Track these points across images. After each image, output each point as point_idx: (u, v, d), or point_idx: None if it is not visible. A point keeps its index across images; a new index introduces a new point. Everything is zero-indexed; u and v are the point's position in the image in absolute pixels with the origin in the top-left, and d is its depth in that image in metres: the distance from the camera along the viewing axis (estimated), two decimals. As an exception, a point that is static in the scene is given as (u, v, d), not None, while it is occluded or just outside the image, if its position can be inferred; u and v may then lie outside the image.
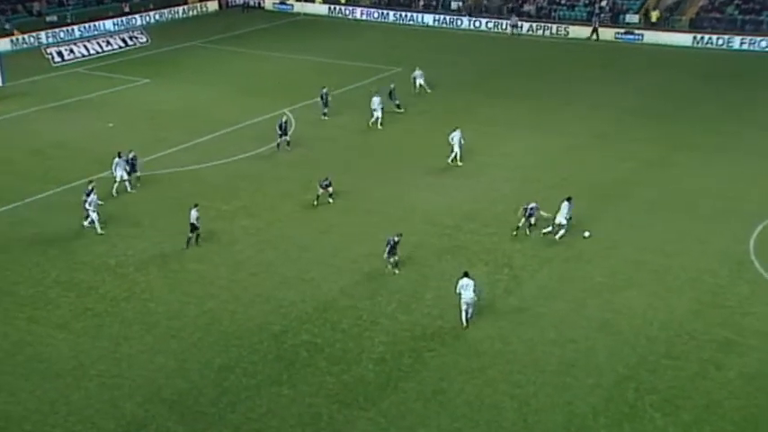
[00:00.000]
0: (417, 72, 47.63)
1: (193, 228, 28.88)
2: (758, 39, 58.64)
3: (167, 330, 23.91)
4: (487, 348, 23.03)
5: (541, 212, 29.66)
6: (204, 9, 73.64)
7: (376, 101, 41.08)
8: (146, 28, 63.93)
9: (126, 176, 33.35)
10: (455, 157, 36.63)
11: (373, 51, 58.94)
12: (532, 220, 29.81)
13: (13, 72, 49.02)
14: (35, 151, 37.68)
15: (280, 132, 38.08)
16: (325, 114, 42.62)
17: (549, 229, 29.59)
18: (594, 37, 62.22)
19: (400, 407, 20.65)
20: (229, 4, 75.73)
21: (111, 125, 40.95)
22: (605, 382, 21.54)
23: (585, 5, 66.08)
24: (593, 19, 63.37)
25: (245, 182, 34.83)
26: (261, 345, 23.25)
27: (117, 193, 33.03)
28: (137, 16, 67.09)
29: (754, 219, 30.63)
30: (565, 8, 66.52)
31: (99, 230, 29.82)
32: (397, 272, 26.94)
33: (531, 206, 29.73)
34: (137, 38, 60.56)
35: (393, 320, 24.43)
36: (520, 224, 29.79)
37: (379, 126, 40.94)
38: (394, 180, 34.93)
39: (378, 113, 40.97)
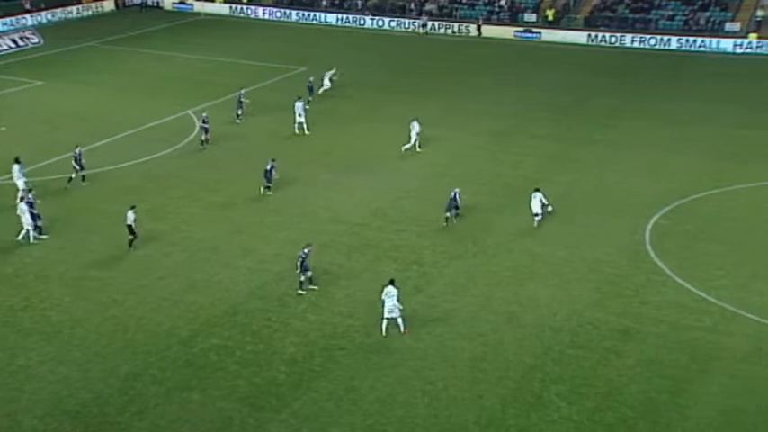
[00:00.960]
0: (329, 73, 47.40)
1: (131, 230, 28.13)
2: (647, 36, 61.05)
3: (69, 339, 23.18)
4: (398, 345, 23.22)
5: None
6: (100, 9, 71.53)
7: (299, 106, 40.24)
8: (38, 28, 61.69)
9: (24, 186, 31.71)
10: (414, 145, 37.53)
11: (277, 51, 58.54)
12: (458, 210, 30.64)
13: None
14: None
15: (204, 129, 38.04)
16: (239, 117, 41.84)
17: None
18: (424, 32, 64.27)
19: (312, 407, 20.62)
20: (126, 4, 73.81)
21: (2, 128, 39.32)
22: (513, 374, 22.05)
23: (485, 4, 67.37)
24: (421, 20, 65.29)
25: (149, 184, 34.06)
26: (169, 350, 22.80)
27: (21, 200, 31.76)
28: (27, 16, 64.54)
29: (648, 210, 31.88)
30: (466, 7, 67.66)
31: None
32: (302, 292, 25.57)
33: (454, 192, 30.44)
34: (28, 38, 58.38)
35: (303, 320, 24.36)
36: (448, 214, 30.21)
37: (306, 132, 40.25)
38: (301, 180, 34.78)
39: (301, 118, 40.17)
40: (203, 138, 38.24)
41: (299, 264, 25.67)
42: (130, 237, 28.49)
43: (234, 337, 23.47)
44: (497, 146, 39.70)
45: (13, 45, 57.02)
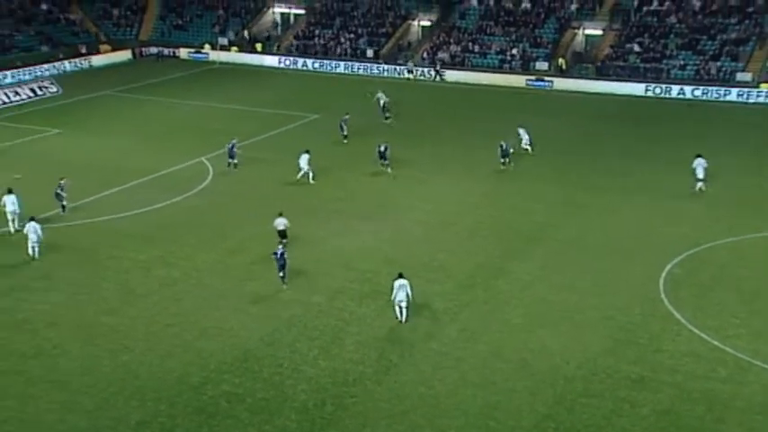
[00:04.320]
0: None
1: (283, 234, 31.54)
2: (658, 85, 61.47)
3: (79, 387, 23.10)
4: (410, 392, 23.04)
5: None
6: (117, 58, 72.72)
7: (304, 158, 40.44)
8: (56, 78, 62.73)
9: (17, 211, 33.20)
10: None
11: (290, 99, 59.21)
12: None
13: None
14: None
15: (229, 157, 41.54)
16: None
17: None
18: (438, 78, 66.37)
19: (323, 456, 20.40)
20: (143, 54, 75.03)
21: (17, 177, 39.67)
22: (526, 423, 21.78)
23: (497, 53, 68.14)
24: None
25: (161, 232, 34.25)
26: (180, 397, 22.69)
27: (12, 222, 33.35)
28: (47, 66, 65.68)
29: (662, 258, 31.72)
30: (477, 56, 68.46)
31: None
32: (285, 287, 28.70)
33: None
34: (47, 88, 59.38)
35: (314, 367, 24.23)
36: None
37: (311, 181, 40.34)
38: (310, 225, 34.91)
39: (305, 169, 40.34)
40: (233, 162, 41.63)
41: (276, 261, 28.63)
42: (283, 240, 31.22)
43: (244, 384, 23.36)
44: (506, 193, 39.76)
45: (31, 94, 57.98)
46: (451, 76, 66.62)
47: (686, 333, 26.31)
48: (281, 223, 32.24)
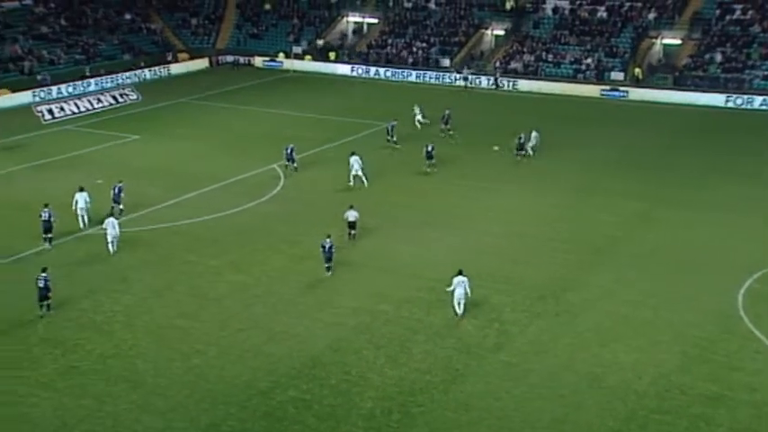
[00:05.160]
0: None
1: (353, 226, 33.30)
2: (739, 96, 59.76)
3: (153, 388, 23.66)
4: (477, 403, 22.89)
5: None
6: (195, 67, 74.50)
7: (354, 160, 40.80)
8: (137, 85, 64.59)
9: (87, 209, 34.88)
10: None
11: (362, 107, 59.64)
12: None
13: (2, 130, 49.27)
14: (23, 207, 37.51)
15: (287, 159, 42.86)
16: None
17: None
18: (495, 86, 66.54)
19: (389, 464, 20.43)
20: (219, 62, 76.67)
21: (99, 182, 40.96)
22: (595, 437, 21.41)
23: (571, 63, 67.34)
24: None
25: (233, 237, 34.87)
26: (249, 402, 23.03)
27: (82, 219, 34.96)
28: (128, 74, 67.76)
29: (740, 274, 30.80)
30: (551, 65, 67.80)
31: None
32: (329, 274, 30.42)
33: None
34: (127, 95, 61.24)
35: (381, 375, 24.29)
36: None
37: (364, 183, 40.72)
38: (379, 233, 35.10)
39: (354, 171, 40.73)
40: (293, 165, 42.73)
41: (323, 253, 30.34)
42: (352, 231, 33.29)
43: (312, 390, 23.57)
44: (578, 204, 39.18)
45: (113, 101, 59.87)
46: (524, 85, 66.16)
47: (766, 351, 25.44)
48: (351, 215, 33.70)
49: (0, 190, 40.80)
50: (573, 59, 67.55)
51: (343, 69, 72.71)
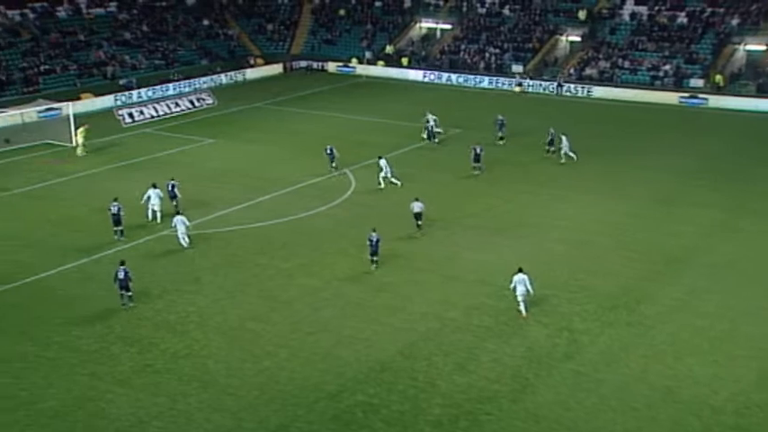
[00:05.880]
0: (431, 116, 50.38)
1: (419, 217, 34.50)
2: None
3: (225, 388, 24.07)
4: (546, 414, 22.59)
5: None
6: (269, 72, 75.64)
7: (383, 164, 41.27)
8: (213, 90, 65.98)
9: (159, 205, 36.51)
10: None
11: (434, 113, 59.42)
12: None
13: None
14: (103, 209, 38.64)
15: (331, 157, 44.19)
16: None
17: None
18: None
19: (455, 472, 20.31)
20: (293, 68, 77.71)
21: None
22: (668, 452, 20.89)
23: (648, 69, 66.00)
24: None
25: (304, 240, 35.25)
26: (317, 404, 23.23)
27: (152, 218, 36.61)
28: (205, 78, 69.30)
29: (824, 286, 29.67)
30: (627, 72, 66.58)
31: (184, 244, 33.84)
32: (374, 268, 31.41)
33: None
34: (204, 99, 62.66)
35: (449, 382, 24.20)
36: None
37: (397, 184, 41.09)
38: (446, 238, 35.06)
39: (383, 174, 41.23)
40: (333, 164, 44.03)
41: (369, 248, 31.27)
42: (419, 222, 34.76)
43: (380, 395, 23.62)
44: (653, 213, 38.33)
45: (190, 105, 61.42)
46: (599, 92, 65.11)
47: None
48: (416, 206, 35.01)
49: (82, 190, 42.13)
50: (650, 66, 66.17)
51: (415, 75, 72.80)
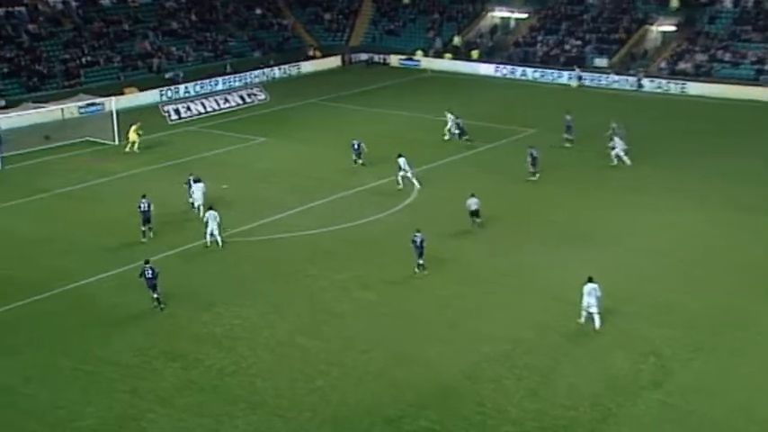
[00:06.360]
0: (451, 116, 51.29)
1: (477, 214, 36.31)
2: None
3: (274, 410, 24.34)
4: (627, 448, 22.32)
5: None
6: (326, 65, 76.37)
7: (402, 162, 42.13)
8: (265, 85, 66.86)
9: (202, 199, 38.24)
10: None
11: (505, 111, 59.33)
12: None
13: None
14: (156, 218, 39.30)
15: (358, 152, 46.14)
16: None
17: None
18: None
19: None
20: (352, 61, 78.27)
21: (225, 187, 42.64)
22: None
23: (753, 63, 64.52)
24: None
25: (360, 249, 35.47)
26: (372, 429, 23.34)
27: (198, 210, 38.21)
28: (257, 72, 70.28)
29: None
30: (728, 66, 65.21)
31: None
32: (426, 272, 32.08)
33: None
34: (255, 95, 63.55)
35: (520, 409, 24.06)
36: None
37: (416, 185, 42.06)
38: (516, 249, 34.97)
39: (403, 173, 42.14)
40: (359, 161, 45.96)
41: (415, 249, 32.09)
42: (477, 219, 36.33)
43: (443, 421, 23.61)
44: (753, 225, 37.43)
45: (240, 102, 62.38)
46: (694, 88, 63.95)
47: None
48: (473, 203, 36.43)
49: (124, 192, 43.00)
50: (755, 59, 64.68)
51: (486, 69, 72.60)
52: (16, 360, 27.18)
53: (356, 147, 46.44)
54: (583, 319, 28.10)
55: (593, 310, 27.88)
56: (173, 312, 30.16)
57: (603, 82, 67.51)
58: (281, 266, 33.98)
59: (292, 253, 35.37)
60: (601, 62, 69.60)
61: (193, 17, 75.10)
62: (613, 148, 45.90)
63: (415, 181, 42.52)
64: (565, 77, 68.97)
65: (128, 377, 26.13)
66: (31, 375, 26.24)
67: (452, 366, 26.34)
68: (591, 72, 68.46)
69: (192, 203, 38.90)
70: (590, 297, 27.88)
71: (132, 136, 50.07)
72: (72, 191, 43.77)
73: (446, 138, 51.36)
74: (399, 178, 42.47)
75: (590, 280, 28.15)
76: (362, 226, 38.18)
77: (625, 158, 45.67)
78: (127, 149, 49.83)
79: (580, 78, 67.75)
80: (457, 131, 51.16)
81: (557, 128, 50.25)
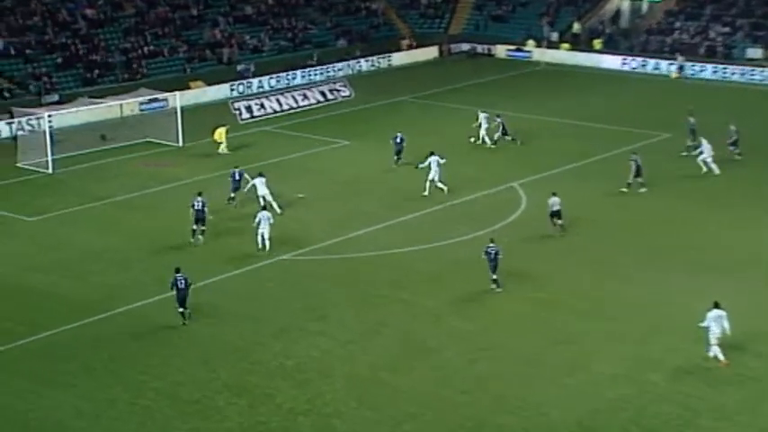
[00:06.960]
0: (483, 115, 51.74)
1: (558, 215, 37.76)
2: None
3: (359, 456, 24.35)
4: None
5: None
6: (421, 57, 76.57)
7: (433, 160, 42.58)
8: (350, 79, 67.25)
9: (268, 195, 40.31)
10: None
11: (634, 111, 58.46)
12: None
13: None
14: (212, 223, 39.91)
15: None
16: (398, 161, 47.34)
17: None
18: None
19: None
20: (452, 52, 78.23)
21: (301, 196, 42.98)
22: None
23: None
24: None
25: (457, 272, 35.24)
26: (470, 484, 23.11)
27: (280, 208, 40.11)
28: (340, 65, 70.80)
29: None
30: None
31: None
32: (500, 290, 32.80)
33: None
34: (338, 91, 63.82)
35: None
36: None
37: (443, 190, 42.12)
38: (643, 276, 34.39)
39: (431, 175, 42.16)
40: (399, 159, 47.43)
41: (488, 262, 32.80)
42: (558, 221, 37.68)
43: (552, 478, 23.22)
44: None
45: (321, 99, 62.74)
46: None
47: None
48: (555, 203, 37.79)
49: (187, 201, 43.69)
50: None
51: (612, 62, 71.77)
52: (66, 391, 27.75)
53: (399, 141, 46.22)
54: (712, 353, 27.57)
55: (715, 341, 27.75)
56: (236, 340, 30.42)
57: (757, 77, 65.75)
58: (365, 289, 34.02)
59: (377, 274, 35.38)
60: (754, 53, 67.82)
61: (270, 1, 75.93)
62: (701, 153, 44.95)
63: (441, 185, 42.74)
64: (708, 71, 67.43)
65: (187, 415, 26.40)
66: (83, 409, 26.76)
67: (567, 414, 25.84)
68: (742, 65, 66.84)
69: (258, 197, 40.45)
70: (716, 326, 27.74)
71: (219, 138, 51.13)
72: (130, 198, 44.76)
73: (487, 144, 51.19)
74: (427, 183, 42.66)
75: (716, 306, 27.87)
76: (460, 244, 37.94)
77: (713, 166, 45.02)
78: (220, 150, 50.84)
79: (681, 69, 67.18)
80: (499, 133, 51.27)
81: (703, 133, 49.05)
